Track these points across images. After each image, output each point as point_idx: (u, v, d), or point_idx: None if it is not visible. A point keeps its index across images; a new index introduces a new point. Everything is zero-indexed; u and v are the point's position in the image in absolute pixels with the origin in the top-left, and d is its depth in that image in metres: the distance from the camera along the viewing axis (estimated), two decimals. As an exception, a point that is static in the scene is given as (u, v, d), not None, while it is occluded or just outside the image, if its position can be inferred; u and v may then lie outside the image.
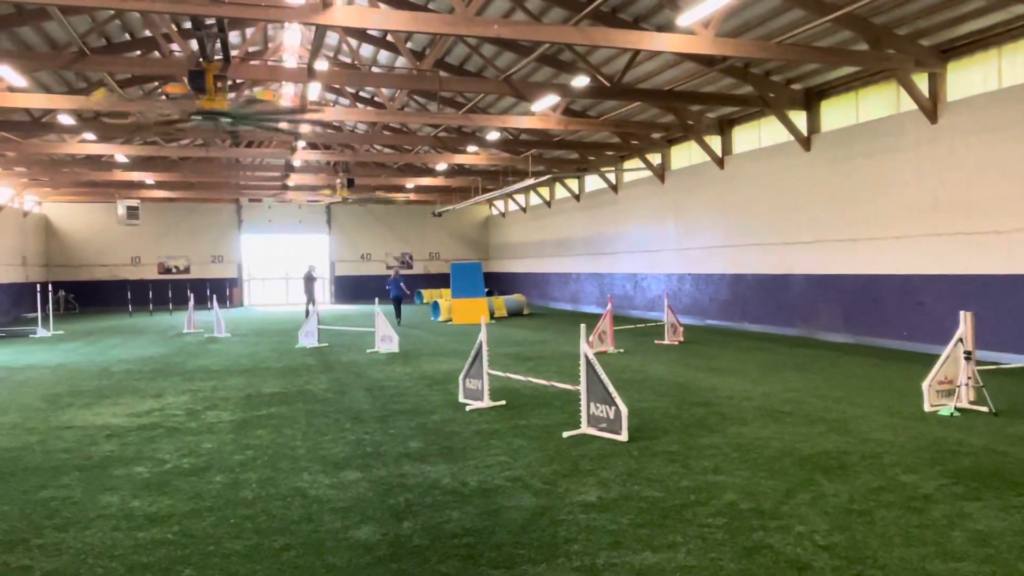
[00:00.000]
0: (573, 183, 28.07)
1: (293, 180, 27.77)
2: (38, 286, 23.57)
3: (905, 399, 8.82)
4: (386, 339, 15.00)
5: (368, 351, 14.91)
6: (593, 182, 26.93)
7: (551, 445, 6.81)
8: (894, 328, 14.16)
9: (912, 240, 13.73)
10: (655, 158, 22.27)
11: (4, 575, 4.13)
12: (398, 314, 22.92)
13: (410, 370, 12.12)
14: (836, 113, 15.72)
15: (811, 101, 16.08)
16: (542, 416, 8.12)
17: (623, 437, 6.88)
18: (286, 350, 15.55)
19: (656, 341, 15.55)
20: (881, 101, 14.66)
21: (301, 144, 22.36)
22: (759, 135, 18.18)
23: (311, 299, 24.95)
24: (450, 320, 22.67)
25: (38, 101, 14.82)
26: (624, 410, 6.91)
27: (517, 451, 6.63)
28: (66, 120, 17.33)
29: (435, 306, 24.25)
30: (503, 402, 8.87)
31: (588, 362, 7.16)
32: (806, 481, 5.63)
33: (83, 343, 17.62)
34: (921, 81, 13.38)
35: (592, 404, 7.19)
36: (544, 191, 30.95)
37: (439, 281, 36.62)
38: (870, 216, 14.62)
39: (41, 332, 19.72)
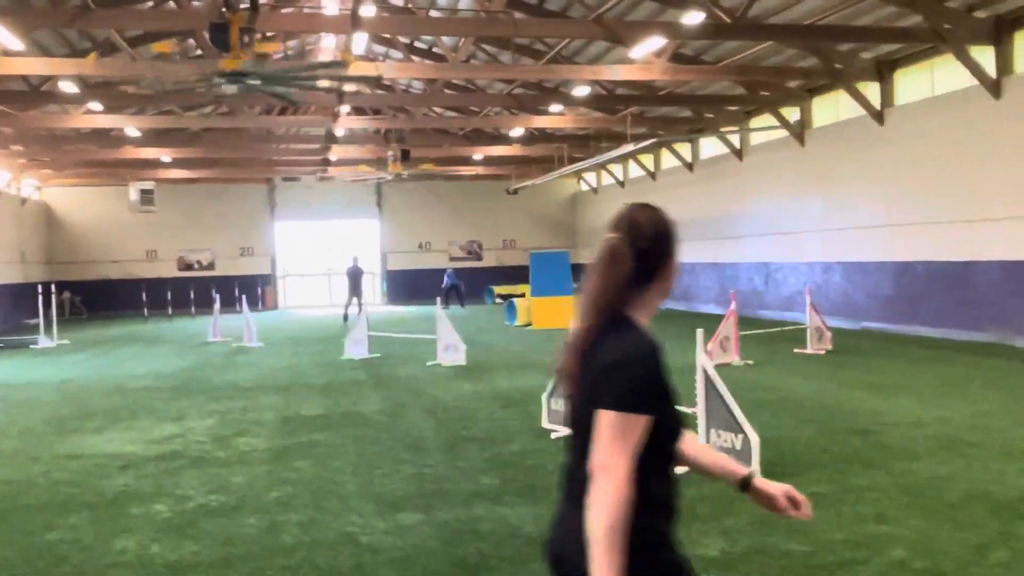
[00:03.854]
0: (685, 148, 27.72)
1: (336, 153, 28.43)
2: (39, 287, 24.90)
3: None
4: (451, 348, 15.16)
5: (429, 363, 15.09)
6: (711, 146, 26.50)
7: (660, 483, 6.73)
8: (1122, 331, 13.35)
9: None
10: (792, 113, 21.74)
11: (7, 631, 4.39)
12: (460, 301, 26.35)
13: (481, 387, 12.21)
14: (1038, 46, 14.94)
15: (1002, 33, 15.33)
16: (648, 446, 8.04)
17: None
18: (330, 362, 15.92)
19: (795, 350, 15.22)
20: (1101, 28, 13.84)
21: (345, 109, 22.87)
22: (931, 80, 17.50)
23: (359, 299, 25.66)
24: (530, 324, 22.75)
25: (36, 66, 15.66)
26: (755, 439, 6.78)
27: (617, 491, 6.58)
28: (69, 88, 18.26)
29: (511, 307, 24.38)
30: (598, 428, 8.83)
31: (707, 377, 7.07)
32: (1003, 534, 5.39)
33: (92, 354, 18.55)
34: None
35: (712, 431, 7.09)
36: (647, 159, 30.66)
37: (516, 275, 36.76)
38: (1086, 182, 13.84)
39: (44, 342, 20.85)
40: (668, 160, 29.33)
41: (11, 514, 6.46)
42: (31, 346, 20.67)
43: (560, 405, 8.89)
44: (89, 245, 34.59)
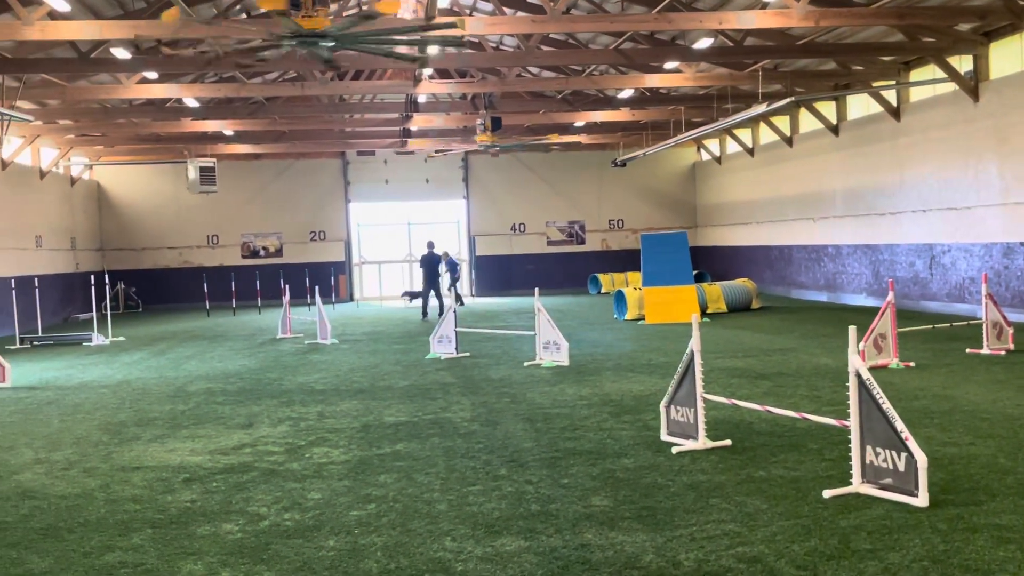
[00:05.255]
0: (828, 107, 27.16)
1: (417, 123, 28.81)
2: (92, 277, 26.14)
3: None
4: (551, 346, 15.24)
5: (526, 364, 15.24)
6: (860, 105, 25.96)
7: (805, 510, 6.65)
8: None
9: None
10: (963, 63, 20.99)
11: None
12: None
13: (587, 392, 12.24)
14: None
15: None
16: (789, 464, 7.95)
17: (920, 501, 6.58)
18: (413, 362, 16.20)
19: (968, 350, 14.77)
20: None
21: (427, 72, 23.13)
22: None
23: (437, 291, 25.99)
24: (642, 318, 22.65)
25: (86, 31, 16.32)
26: (921, 459, 6.60)
27: (753, 517, 6.52)
28: (121, 54, 18.99)
29: (619, 298, 24.32)
30: (728, 442, 8.77)
31: (861, 383, 6.89)
32: None
33: (149, 353, 19.33)
34: None
35: (869, 448, 6.92)
36: (782, 122, 30.13)
37: (625, 261, 36.64)
38: None
39: (97, 339, 21.83)
40: (808, 122, 28.75)
41: (68, 534, 6.77)
42: (83, 343, 21.67)
43: (682, 414, 8.82)
44: (144, 230, 35.91)
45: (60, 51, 20.43)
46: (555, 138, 26.75)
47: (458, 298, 31.21)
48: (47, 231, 29.70)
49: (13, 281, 22.71)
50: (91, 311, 23.57)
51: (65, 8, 15.79)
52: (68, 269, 31.36)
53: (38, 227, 28.97)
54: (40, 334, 23.10)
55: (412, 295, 32.04)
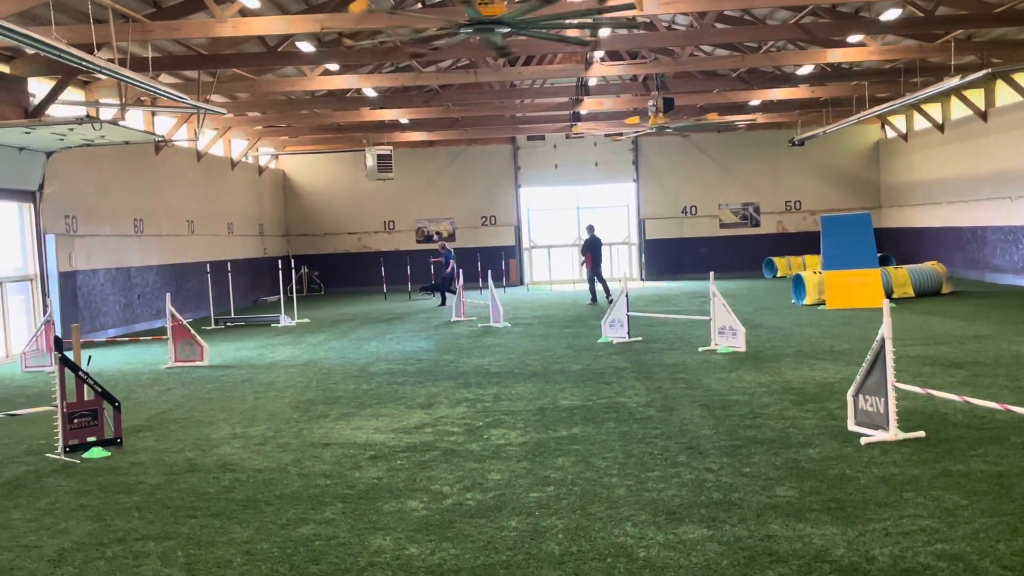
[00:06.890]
0: (1026, 80, 25.57)
1: (587, 107, 28.76)
2: (279, 262, 27.37)
3: None
4: (726, 332, 15.01)
5: (700, 349, 15.08)
6: (1062, 76, 24.33)
7: (1010, 507, 6.32)
8: None
9: None
10: None
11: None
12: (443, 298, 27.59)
13: (766, 379, 12.00)
14: None
15: None
16: (990, 458, 7.57)
17: None
18: (585, 346, 16.26)
19: None
20: None
21: (599, 55, 23.04)
22: None
23: (599, 275, 25.74)
24: (822, 303, 22.00)
25: (274, 25, 17.07)
26: None
27: (952, 512, 6.25)
28: (305, 47, 19.74)
29: (797, 282, 23.67)
30: (921, 433, 8.42)
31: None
32: None
33: (332, 334, 20.11)
34: None
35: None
36: (975, 95, 28.57)
37: (802, 244, 35.61)
38: None
39: (284, 320, 22.86)
40: (1005, 95, 27.16)
41: (266, 506, 7.13)
42: (272, 325, 22.76)
43: (871, 403, 8.50)
44: (325, 216, 37.37)
45: (249, 46, 21.40)
46: (762, 119, 26.09)
47: (441, 296, 28.13)
48: (238, 218, 31.33)
49: (208, 266, 24.03)
50: (278, 294, 24.69)
51: (255, 5, 16.53)
52: (257, 254, 32.97)
53: (230, 214, 30.59)
54: (232, 316, 24.39)
55: (431, 289, 29.85)
